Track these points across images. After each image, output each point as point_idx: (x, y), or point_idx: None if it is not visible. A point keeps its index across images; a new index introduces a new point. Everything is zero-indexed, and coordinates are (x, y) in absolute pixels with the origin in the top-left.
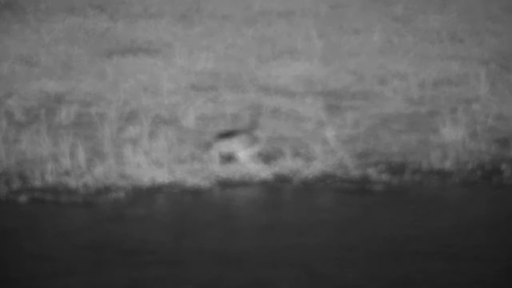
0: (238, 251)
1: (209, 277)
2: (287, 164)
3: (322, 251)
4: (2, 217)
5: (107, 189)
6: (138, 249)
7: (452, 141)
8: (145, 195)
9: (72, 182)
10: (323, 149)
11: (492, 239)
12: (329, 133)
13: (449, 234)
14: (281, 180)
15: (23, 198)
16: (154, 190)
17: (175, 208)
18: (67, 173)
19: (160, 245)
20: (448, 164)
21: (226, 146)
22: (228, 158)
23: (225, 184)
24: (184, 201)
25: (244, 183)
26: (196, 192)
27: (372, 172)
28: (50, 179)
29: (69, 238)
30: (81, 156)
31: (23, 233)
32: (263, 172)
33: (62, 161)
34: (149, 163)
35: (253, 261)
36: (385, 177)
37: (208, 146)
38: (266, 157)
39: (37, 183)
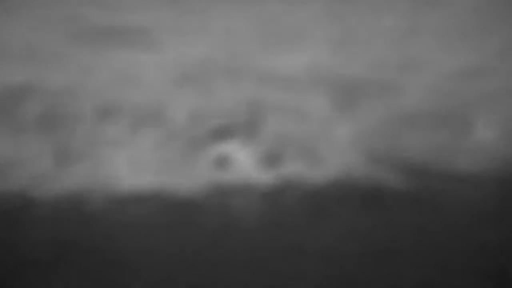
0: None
1: None
2: (291, 168)
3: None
4: None
5: (81, 197)
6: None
7: (484, 141)
8: (126, 203)
9: (40, 188)
10: (332, 150)
11: None
12: (340, 131)
13: (475, 250)
14: (284, 186)
15: None
16: (137, 198)
17: (159, 219)
18: (34, 178)
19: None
20: (478, 168)
21: (221, 146)
22: (224, 161)
23: (220, 190)
24: (170, 210)
25: (241, 189)
26: (185, 200)
27: (389, 177)
28: (14, 184)
29: (20, 250)
30: (51, 158)
31: None
32: (264, 176)
33: (28, 164)
34: (131, 166)
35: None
36: (404, 182)
37: (200, 146)
38: (267, 159)
39: None
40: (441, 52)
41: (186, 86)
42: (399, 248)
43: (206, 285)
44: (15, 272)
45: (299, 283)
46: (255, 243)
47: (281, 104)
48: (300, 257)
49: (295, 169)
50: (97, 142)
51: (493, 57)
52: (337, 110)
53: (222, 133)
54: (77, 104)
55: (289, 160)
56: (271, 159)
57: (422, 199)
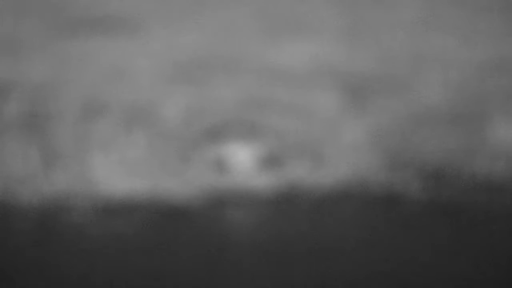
0: None
1: None
2: (295, 171)
3: None
4: None
5: (67, 204)
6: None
7: (504, 142)
8: (115, 210)
9: (23, 193)
10: (340, 152)
11: None
12: (349, 131)
13: (501, 262)
14: (287, 191)
15: None
16: (125, 208)
17: (149, 231)
18: (17, 182)
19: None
20: (498, 172)
21: (218, 148)
22: (221, 164)
23: (217, 196)
24: (162, 221)
25: (240, 195)
26: (179, 209)
27: (401, 180)
28: None
29: None
30: (35, 161)
31: None
32: (265, 181)
33: (10, 168)
34: (121, 169)
35: None
36: (417, 187)
37: (196, 148)
38: (269, 162)
39: None
40: (458, 46)
41: (180, 81)
42: (421, 261)
43: None
44: None
45: None
46: (255, 255)
47: (284, 101)
48: (306, 271)
49: (299, 173)
50: (86, 142)
51: None
52: (346, 108)
53: (220, 134)
54: (61, 102)
55: (293, 163)
56: (273, 162)
57: (442, 207)
